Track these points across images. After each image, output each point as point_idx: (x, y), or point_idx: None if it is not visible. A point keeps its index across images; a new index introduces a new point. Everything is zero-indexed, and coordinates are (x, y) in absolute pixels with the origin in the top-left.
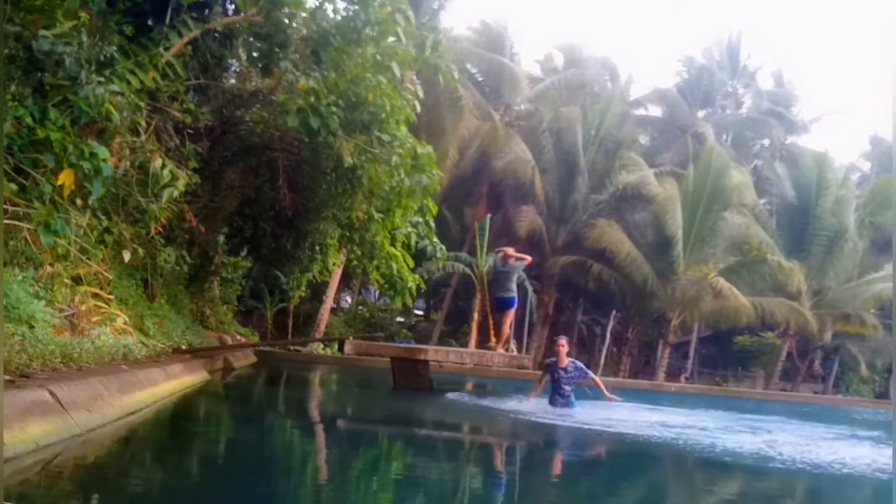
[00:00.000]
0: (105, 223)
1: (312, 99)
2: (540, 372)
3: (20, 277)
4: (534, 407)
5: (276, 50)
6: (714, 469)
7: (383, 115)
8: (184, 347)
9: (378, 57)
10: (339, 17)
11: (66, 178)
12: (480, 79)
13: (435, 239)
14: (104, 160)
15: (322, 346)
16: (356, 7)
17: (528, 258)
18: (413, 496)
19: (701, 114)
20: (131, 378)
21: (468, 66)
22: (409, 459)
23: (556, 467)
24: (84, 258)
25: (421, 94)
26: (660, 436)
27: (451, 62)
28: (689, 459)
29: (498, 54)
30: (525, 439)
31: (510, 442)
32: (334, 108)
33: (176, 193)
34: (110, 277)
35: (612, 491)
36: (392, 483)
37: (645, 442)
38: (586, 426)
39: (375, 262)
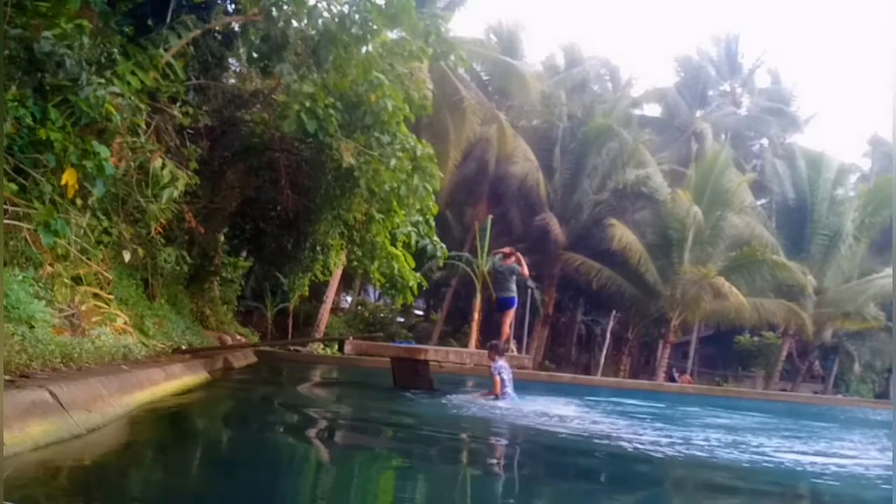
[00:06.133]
0: (105, 223)
1: (308, 104)
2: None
3: (20, 277)
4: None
5: (277, 50)
6: None
7: (385, 117)
8: (184, 347)
9: (380, 52)
10: (343, 11)
11: (69, 177)
12: (485, 78)
13: (435, 238)
14: (105, 159)
15: (322, 346)
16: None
17: (527, 273)
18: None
19: (699, 113)
20: (131, 378)
21: (474, 65)
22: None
23: None
24: (84, 258)
25: (431, 87)
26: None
27: (456, 47)
28: None
29: (505, 55)
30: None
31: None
32: (332, 111)
33: (176, 194)
34: (110, 277)
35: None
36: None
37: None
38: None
39: (376, 263)
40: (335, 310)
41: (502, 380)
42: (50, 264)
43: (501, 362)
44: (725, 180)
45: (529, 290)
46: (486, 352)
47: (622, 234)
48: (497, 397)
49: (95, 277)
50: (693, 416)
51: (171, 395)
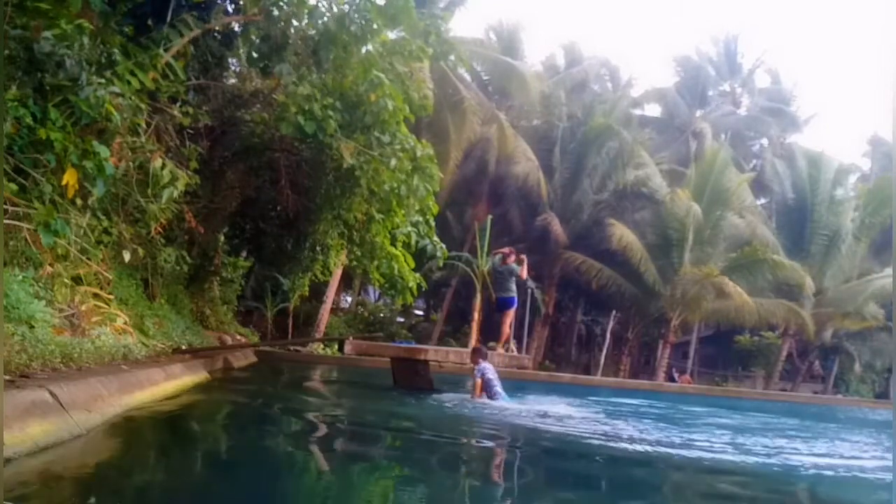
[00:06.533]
0: (105, 223)
1: (306, 107)
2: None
3: (20, 277)
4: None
5: (277, 50)
6: None
7: (386, 117)
8: (184, 347)
9: (380, 52)
10: (343, 11)
11: (70, 177)
12: (486, 78)
13: (435, 238)
14: (105, 159)
15: (322, 346)
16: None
17: (525, 276)
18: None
19: (699, 113)
20: (131, 378)
21: (474, 65)
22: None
23: None
24: (84, 258)
25: (431, 87)
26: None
27: (456, 47)
28: None
29: (505, 55)
30: None
31: None
32: (331, 112)
33: (176, 194)
34: (110, 277)
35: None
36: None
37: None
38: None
39: (376, 263)
40: (335, 310)
41: (487, 380)
42: (50, 264)
43: (485, 365)
44: (725, 179)
45: (529, 290)
46: (486, 352)
47: (622, 234)
48: (490, 398)
49: (95, 277)
50: (693, 417)
51: (171, 395)
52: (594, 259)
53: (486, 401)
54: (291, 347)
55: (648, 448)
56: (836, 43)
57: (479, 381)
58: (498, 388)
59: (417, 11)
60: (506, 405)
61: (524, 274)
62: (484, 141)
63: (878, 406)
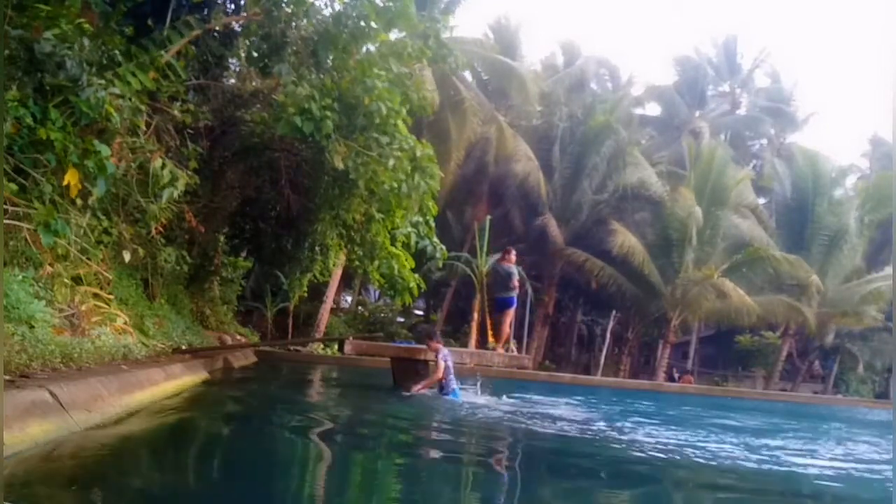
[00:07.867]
0: (105, 223)
1: (306, 105)
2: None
3: (20, 277)
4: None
5: (276, 50)
6: None
7: (378, 120)
8: (184, 347)
9: (381, 52)
10: (341, 10)
11: (71, 177)
12: (485, 78)
13: (435, 238)
14: (106, 158)
15: (322, 346)
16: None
17: (516, 285)
18: None
19: (698, 113)
20: (131, 378)
21: (475, 65)
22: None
23: None
24: (84, 258)
25: (432, 88)
26: None
27: (455, 50)
28: None
29: (505, 55)
30: None
31: None
32: (329, 113)
33: (176, 194)
34: (110, 277)
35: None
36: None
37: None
38: None
39: (376, 263)
40: (335, 310)
41: (448, 367)
42: (50, 264)
43: (446, 351)
44: (725, 178)
45: (528, 292)
46: (487, 352)
47: (624, 239)
48: (442, 386)
49: (95, 277)
50: (694, 417)
51: (171, 395)
52: (594, 258)
53: (485, 399)
54: (291, 347)
55: (646, 449)
56: (836, 43)
57: (443, 364)
58: (452, 377)
59: (417, 14)
60: (503, 403)
61: (516, 283)
62: (484, 141)
63: (878, 406)
